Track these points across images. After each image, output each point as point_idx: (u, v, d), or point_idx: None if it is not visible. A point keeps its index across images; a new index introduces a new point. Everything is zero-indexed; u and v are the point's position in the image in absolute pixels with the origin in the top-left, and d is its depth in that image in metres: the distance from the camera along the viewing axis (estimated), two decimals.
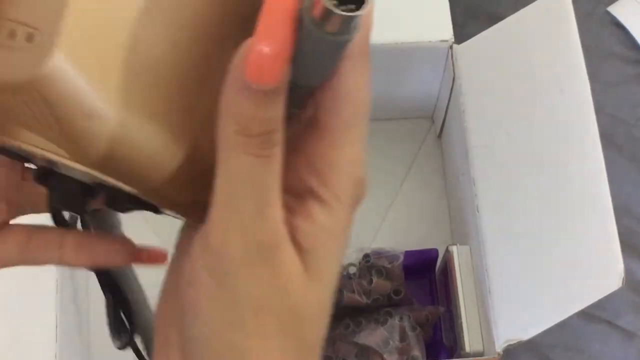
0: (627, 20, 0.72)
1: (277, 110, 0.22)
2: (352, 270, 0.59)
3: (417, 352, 0.55)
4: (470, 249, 0.56)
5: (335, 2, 0.21)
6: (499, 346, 0.51)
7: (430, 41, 0.59)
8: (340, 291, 0.57)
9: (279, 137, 0.22)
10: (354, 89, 0.24)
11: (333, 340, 0.57)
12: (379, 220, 0.67)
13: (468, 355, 0.53)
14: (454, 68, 0.59)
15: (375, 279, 0.57)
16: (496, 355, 0.51)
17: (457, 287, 0.55)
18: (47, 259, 0.31)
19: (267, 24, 0.21)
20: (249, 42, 0.21)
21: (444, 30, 0.59)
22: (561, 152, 0.53)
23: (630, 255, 0.63)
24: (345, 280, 0.58)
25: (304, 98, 0.25)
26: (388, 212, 0.67)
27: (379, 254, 0.59)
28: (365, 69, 0.24)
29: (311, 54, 0.22)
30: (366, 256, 0.59)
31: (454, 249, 0.56)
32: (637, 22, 0.72)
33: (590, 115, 0.52)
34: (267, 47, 0.21)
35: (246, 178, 0.22)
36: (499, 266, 0.53)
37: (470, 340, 0.53)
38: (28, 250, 0.30)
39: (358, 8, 0.21)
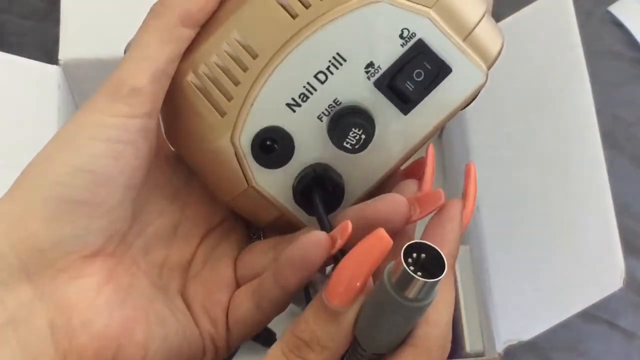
0: (628, 20, 0.72)
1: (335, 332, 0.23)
2: None
3: None
4: (470, 249, 0.56)
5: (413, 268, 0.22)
6: (499, 346, 0.50)
7: None
8: None
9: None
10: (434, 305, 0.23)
11: None
12: None
13: (468, 355, 0.53)
14: None
15: None
16: (496, 356, 0.50)
17: (457, 287, 0.55)
18: None
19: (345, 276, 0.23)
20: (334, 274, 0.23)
21: None
22: (561, 152, 0.53)
23: (630, 255, 0.62)
24: None
25: None
26: None
27: None
28: (449, 288, 0.24)
29: (386, 319, 0.23)
30: None
31: None
32: (638, 21, 0.72)
33: (590, 115, 0.52)
34: (337, 300, 0.23)
35: None
36: (499, 266, 0.53)
37: (471, 341, 0.53)
38: None
39: (435, 274, 0.22)
